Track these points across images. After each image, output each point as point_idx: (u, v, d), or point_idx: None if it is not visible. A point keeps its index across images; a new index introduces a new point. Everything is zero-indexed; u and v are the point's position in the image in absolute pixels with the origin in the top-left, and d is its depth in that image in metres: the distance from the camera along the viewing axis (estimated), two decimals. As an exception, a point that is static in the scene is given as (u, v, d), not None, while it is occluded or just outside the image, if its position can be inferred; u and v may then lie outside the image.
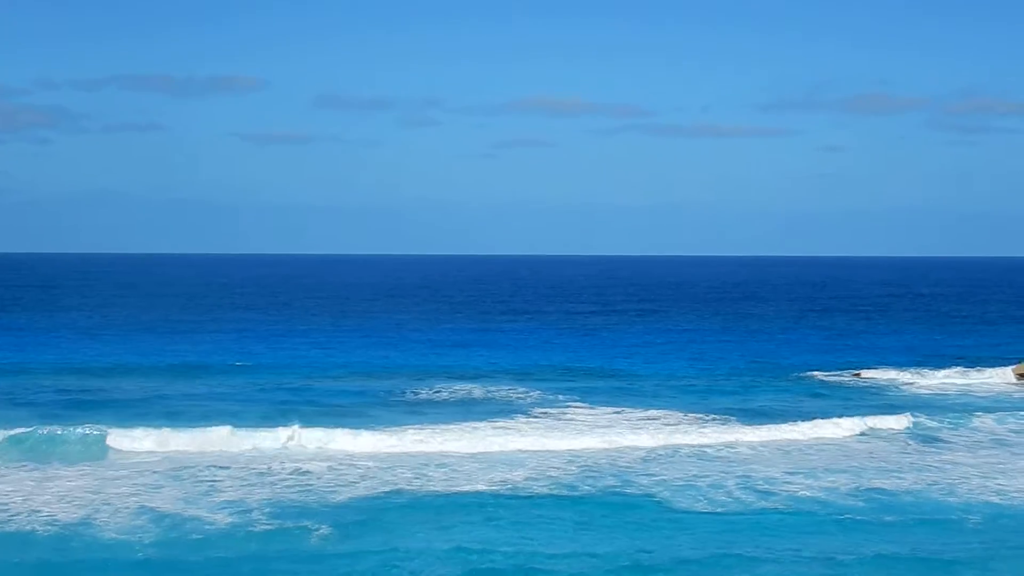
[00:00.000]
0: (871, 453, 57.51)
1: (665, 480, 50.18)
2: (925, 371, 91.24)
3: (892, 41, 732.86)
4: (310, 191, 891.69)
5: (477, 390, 78.53)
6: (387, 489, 48.21)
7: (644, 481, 50.08)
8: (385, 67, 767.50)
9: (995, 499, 47.33)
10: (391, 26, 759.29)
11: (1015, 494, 48.19)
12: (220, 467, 51.69)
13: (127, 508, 44.20)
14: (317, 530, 41.63)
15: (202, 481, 48.93)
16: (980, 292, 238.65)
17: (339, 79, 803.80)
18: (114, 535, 40.87)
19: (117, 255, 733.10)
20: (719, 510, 45.44)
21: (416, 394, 76.50)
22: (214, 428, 58.62)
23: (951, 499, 47.34)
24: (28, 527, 41.65)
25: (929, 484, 49.97)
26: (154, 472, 50.72)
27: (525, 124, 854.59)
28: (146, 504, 44.79)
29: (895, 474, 51.98)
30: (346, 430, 59.74)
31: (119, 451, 55.91)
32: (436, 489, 48.29)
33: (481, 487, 48.69)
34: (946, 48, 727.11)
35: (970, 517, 44.46)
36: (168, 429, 58.11)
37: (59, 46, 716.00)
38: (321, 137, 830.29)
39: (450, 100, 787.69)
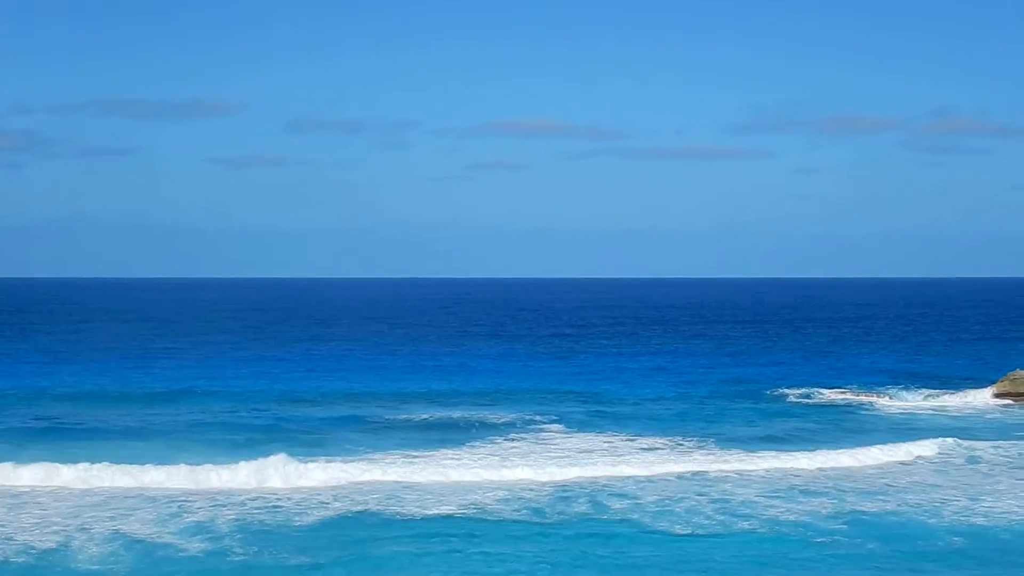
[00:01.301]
0: (852, 476, 57.29)
1: (641, 504, 49.85)
2: (902, 392, 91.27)
3: (865, 62, 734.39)
4: (284, 214, 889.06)
5: (453, 414, 78.07)
6: (358, 514, 47.84)
7: (620, 506, 49.75)
8: (358, 90, 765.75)
9: (981, 521, 47.08)
10: (364, 49, 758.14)
11: (1000, 515, 47.97)
12: (193, 495, 51.28)
13: (102, 536, 43.81)
14: (287, 560, 41.26)
15: (175, 507, 48.46)
16: (956, 313, 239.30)
17: (312, 102, 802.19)
18: (89, 564, 40.45)
19: (91, 280, 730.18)
20: (698, 533, 45.16)
21: (392, 419, 75.97)
22: (191, 460, 57.88)
23: (934, 521, 47.05)
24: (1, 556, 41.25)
25: (913, 506, 49.74)
26: (127, 498, 50.31)
27: (499, 146, 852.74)
28: (121, 530, 44.43)
29: (878, 497, 51.69)
30: (320, 459, 59.38)
31: (88, 484, 54.06)
32: (409, 516, 47.79)
33: (456, 513, 48.27)
34: (920, 69, 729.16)
35: (955, 539, 44.21)
36: (137, 465, 56.09)
37: (32, 70, 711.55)
38: (295, 160, 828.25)
39: (424, 122, 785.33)
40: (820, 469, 58.93)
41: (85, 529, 44.79)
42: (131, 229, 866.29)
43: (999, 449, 64.70)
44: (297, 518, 47.19)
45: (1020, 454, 63.15)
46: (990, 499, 51.10)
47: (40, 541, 42.97)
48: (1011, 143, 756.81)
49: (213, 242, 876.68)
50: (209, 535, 44.25)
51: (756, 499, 50.85)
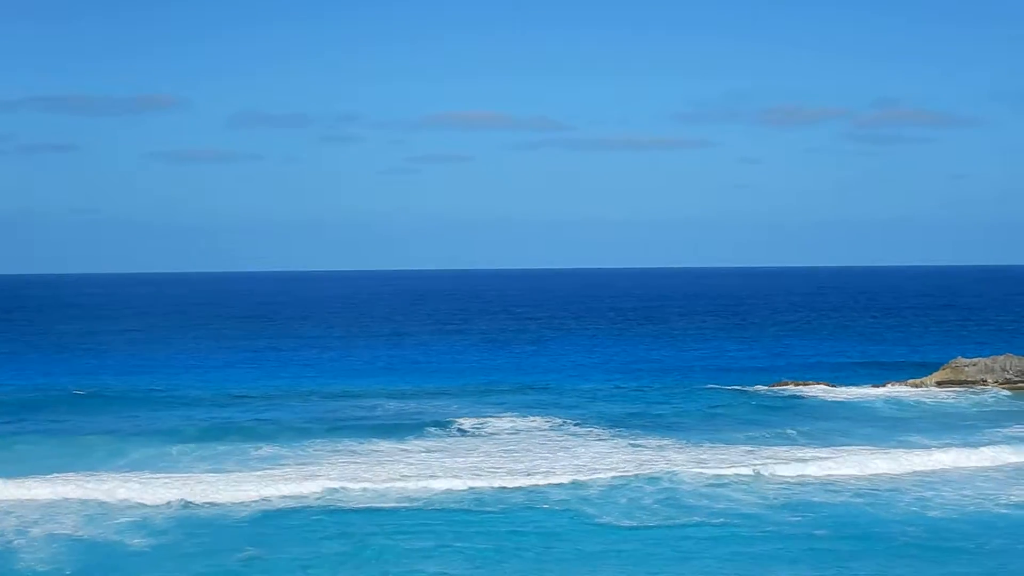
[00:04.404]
0: (800, 466, 56.91)
1: (586, 497, 49.60)
2: (846, 380, 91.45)
3: (808, 53, 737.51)
4: (231, 209, 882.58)
5: (395, 410, 77.50)
6: (299, 511, 47.44)
7: (562, 497, 49.52)
8: (301, 84, 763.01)
9: (934, 513, 46.98)
10: (305, 43, 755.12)
11: (951, 507, 47.89)
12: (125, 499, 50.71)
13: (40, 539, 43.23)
14: (229, 555, 40.93)
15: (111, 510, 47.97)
16: (900, 301, 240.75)
17: (256, 97, 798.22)
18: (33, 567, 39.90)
19: (33, 276, 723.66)
20: (644, 525, 44.93)
21: (334, 416, 75.05)
22: (131, 458, 57.17)
23: (884, 512, 47.01)
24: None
25: (863, 497, 49.68)
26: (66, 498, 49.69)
27: (444, 139, 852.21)
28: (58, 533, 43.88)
29: (828, 488, 51.54)
30: (264, 447, 59.00)
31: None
32: (350, 510, 47.47)
33: (397, 507, 48.00)
34: (863, 59, 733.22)
35: (908, 529, 44.18)
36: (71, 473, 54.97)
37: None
38: (240, 154, 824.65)
39: (367, 115, 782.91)
40: (768, 460, 58.62)
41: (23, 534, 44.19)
42: (78, 225, 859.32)
43: (944, 439, 64.82)
44: (238, 514, 46.73)
45: (964, 443, 63.19)
46: (939, 489, 51.06)
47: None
48: (951, 132, 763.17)
49: (160, 237, 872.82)
50: (150, 531, 43.86)
51: (703, 490, 50.67)
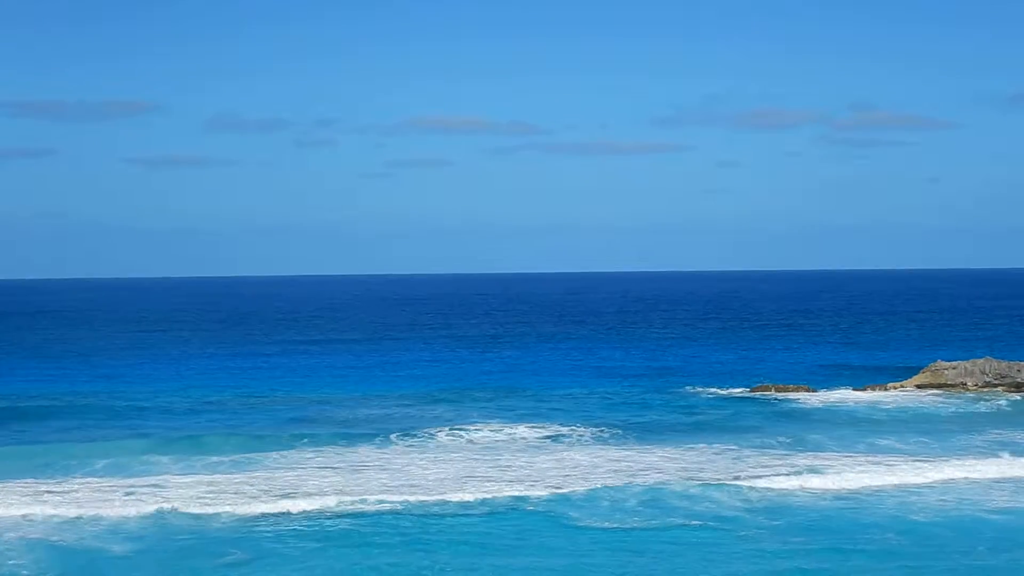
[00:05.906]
0: (781, 470, 56.93)
1: (571, 502, 49.43)
2: (827, 385, 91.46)
3: (784, 57, 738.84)
4: (207, 214, 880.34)
5: (378, 415, 77.38)
6: (280, 516, 47.26)
7: (546, 502, 49.35)
8: (277, 88, 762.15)
9: (918, 518, 46.83)
10: (281, 48, 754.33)
11: (934, 512, 47.72)
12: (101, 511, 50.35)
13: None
14: (207, 560, 40.71)
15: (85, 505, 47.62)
16: (879, 305, 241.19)
17: (232, 100, 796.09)
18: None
19: (5, 282, 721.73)
20: (624, 527, 44.87)
21: (313, 420, 75.06)
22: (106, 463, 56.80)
23: (865, 516, 46.88)
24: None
25: (846, 503, 49.54)
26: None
27: (421, 143, 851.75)
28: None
29: (808, 491, 51.40)
30: (240, 453, 58.79)
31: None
32: (336, 515, 47.23)
33: (377, 510, 47.80)
34: (837, 62, 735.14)
35: (888, 535, 43.99)
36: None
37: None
38: (216, 159, 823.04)
39: (345, 120, 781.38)
40: (751, 464, 58.50)
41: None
42: (53, 230, 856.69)
43: (924, 443, 64.80)
44: (214, 522, 46.41)
45: (945, 447, 63.13)
46: (921, 494, 50.91)
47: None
48: (927, 135, 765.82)
49: (136, 243, 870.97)
50: (125, 538, 43.63)
51: (686, 494, 50.48)
